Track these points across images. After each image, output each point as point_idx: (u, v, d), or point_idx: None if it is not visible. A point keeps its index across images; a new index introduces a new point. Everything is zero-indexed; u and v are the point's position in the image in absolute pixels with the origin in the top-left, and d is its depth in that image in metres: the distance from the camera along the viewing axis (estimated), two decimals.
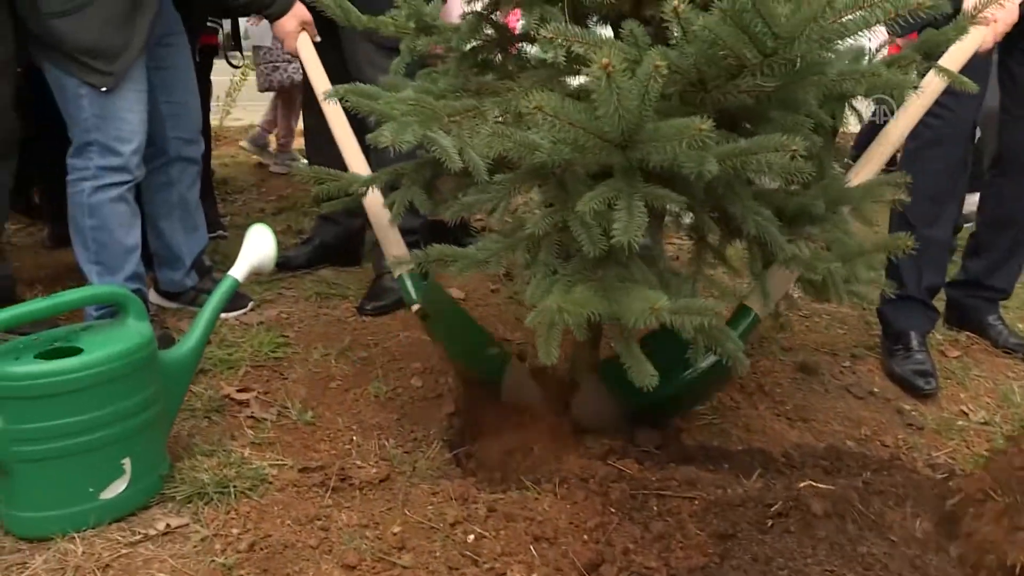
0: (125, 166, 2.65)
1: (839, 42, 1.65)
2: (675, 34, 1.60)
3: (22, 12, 2.50)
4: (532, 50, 2.19)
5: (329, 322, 3.00)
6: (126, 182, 2.67)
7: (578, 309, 1.59)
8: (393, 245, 2.39)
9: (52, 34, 2.50)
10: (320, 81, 2.69)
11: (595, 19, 2.08)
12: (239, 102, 6.90)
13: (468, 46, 2.09)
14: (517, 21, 2.17)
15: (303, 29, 2.80)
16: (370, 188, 2.27)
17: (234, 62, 4.36)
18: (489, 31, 2.16)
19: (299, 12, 2.77)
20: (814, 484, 1.86)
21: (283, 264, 3.32)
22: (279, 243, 2.32)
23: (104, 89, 2.55)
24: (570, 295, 1.65)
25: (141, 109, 2.67)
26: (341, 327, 2.95)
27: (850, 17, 1.56)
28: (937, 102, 2.37)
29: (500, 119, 1.93)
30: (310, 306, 3.15)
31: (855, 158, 2.37)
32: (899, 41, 2.85)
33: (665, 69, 1.43)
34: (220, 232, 3.92)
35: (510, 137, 1.63)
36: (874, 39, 1.92)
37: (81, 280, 2.80)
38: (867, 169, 2.28)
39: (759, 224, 1.88)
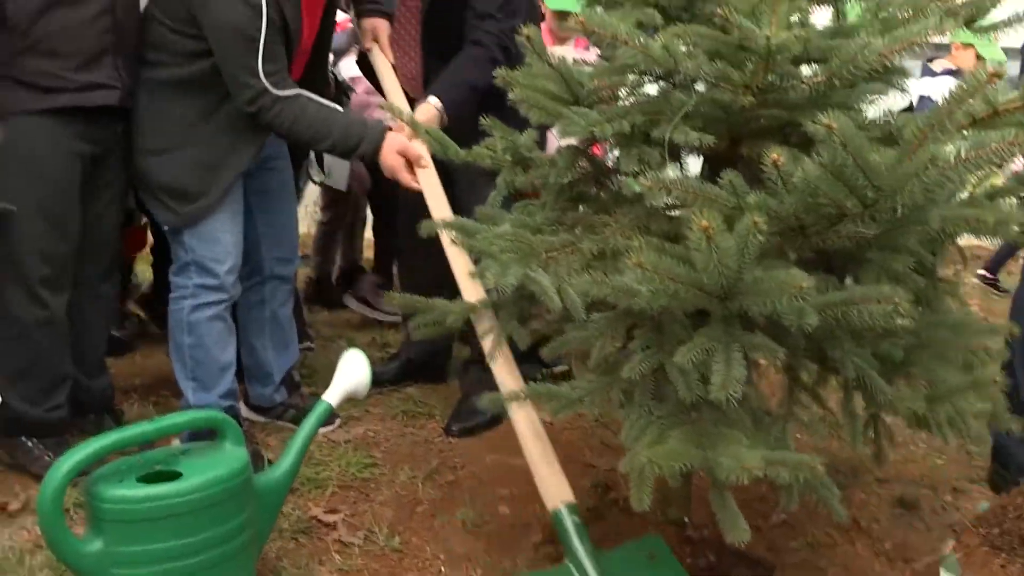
0: (221, 285, 2.73)
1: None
2: (774, 184, 1.61)
3: (131, 145, 2.68)
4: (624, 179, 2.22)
5: (416, 442, 3.01)
6: (222, 301, 2.75)
7: (670, 461, 1.58)
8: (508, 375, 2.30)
9: (140, 167, 2.67)
10: (440, 209, 2.57)
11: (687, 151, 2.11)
12: None
13: (565, 180, 2.12)
14: (605, 151, 2.21)
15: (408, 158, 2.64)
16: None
17: (315, 177, 4.48)
18: (584, 164, 2.19)
19: (395, 144, 2.62)
20: None
21: None
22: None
23: (165, 228, 2.67)
24: (663, 444, 1.64)
25: (236, 231, 2.76)
26: (428, 448, 2.96)
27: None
28: None
29: (596, 256, 1.96)
30: (396, 424, 3.17)
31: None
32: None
33: (764, 225, 1.44)
34: (308, 344, 3.97)
35: (608, 283, 1.65)
36: None
37: (173, 388, 2.87)
38: None
39: (858, 367, 1.85)
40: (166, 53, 2.57)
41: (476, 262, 2.06)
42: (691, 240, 1.45)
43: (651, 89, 2.09)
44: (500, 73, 2.04)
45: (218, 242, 2.71)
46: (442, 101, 2.82)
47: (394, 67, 3.07)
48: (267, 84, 2.49)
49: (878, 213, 1.61)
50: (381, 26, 3.10)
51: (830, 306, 1.62)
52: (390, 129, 2.67)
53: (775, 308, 1.54)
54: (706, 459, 1.62)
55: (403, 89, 3.01)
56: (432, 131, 2.37)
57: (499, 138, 2.24)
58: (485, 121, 2.25)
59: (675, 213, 2.04)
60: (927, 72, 5.48)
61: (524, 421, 2.20)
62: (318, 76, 2.93)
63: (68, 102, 2.47)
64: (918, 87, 5.16)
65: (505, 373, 2.28)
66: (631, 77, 1.95)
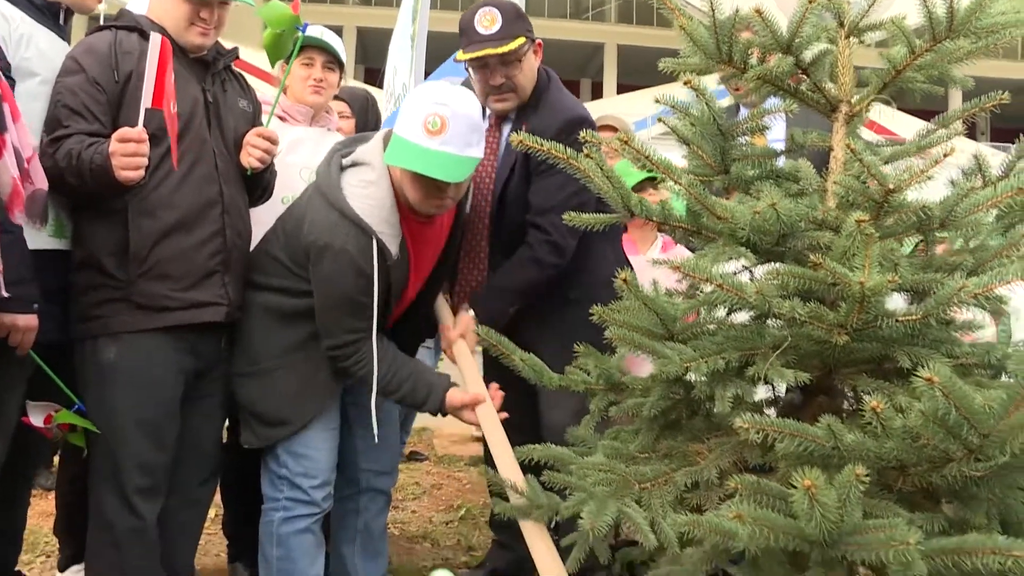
0: (312, 500, 2.75)
1: None
2: (874, 429, 1.59)
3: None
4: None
5: None
6: (313, 515, 2.76)
7: None
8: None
9: (232, 386, 2.78)
10: (499, 445, 2.58)
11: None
12: None
13: (658, 411, 2.12)
14: None
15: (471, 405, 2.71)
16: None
17: None
18: (678, 392, 2.20)
19: (456, 399, 2.69)
20: None
21: None
22: (448, 561, 2.31)
23: (246, 446, 2.74)
24: None
25: (329, 447, 2.80)
26: None
27: None
28: None
29: (689, 488, 1.95)
30: None
31: None
32: None
33: (866, 476, 1.42)
34: None
35: (704, 525, 1.63)
36: None
37: None
38: None
39: None
40: (279, 285, 2.71)
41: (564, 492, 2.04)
42: (794, 496, 1.44)
43: (742, 316, 2.12)
44: (597, 311, 2.08)
45: (310, 459, 2.74)
46: (478, 312, 2.87)
47: (458, 278, 3.08)
48: (359, 337, 2.60)
49: (985, 457, 1.58)
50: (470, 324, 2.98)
51: (940, 553, 1.56)
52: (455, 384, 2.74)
53: (879, 559, 1.49)
54: None
55: (465, 299, 3.03)
56: (528, 358, 2.39)
57: (592, 364, 2.27)
58: (579, 348, 2.29)
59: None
60: None
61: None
62: (413, 322, 2.95)
63: (177, 320, 2.58)
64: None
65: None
66: (722, 311, 1.99)
